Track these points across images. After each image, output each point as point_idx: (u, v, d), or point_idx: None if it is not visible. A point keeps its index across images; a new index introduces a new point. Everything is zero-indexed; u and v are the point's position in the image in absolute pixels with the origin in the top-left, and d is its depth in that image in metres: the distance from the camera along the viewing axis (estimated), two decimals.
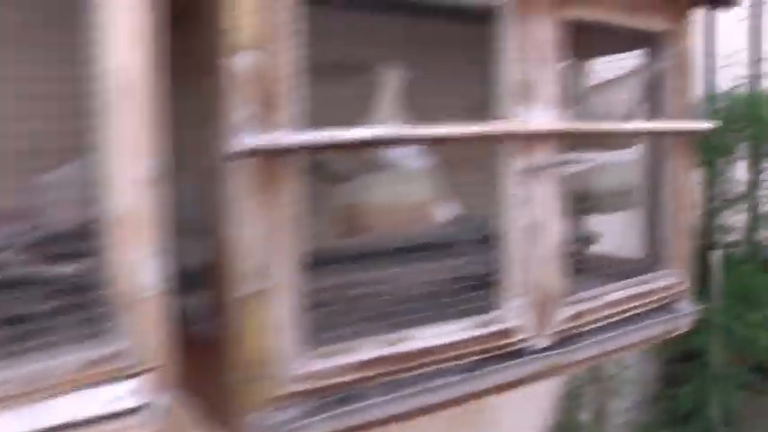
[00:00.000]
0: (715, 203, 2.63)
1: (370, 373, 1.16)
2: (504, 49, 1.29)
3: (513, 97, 1.30)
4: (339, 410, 1.12)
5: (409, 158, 1.33)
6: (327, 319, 1.33)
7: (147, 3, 0.95)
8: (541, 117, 1.33)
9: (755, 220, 2.55)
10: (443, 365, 1.25)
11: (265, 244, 1.03)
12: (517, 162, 1.31)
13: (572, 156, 1.74)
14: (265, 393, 1.06)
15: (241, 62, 1.00)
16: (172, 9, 1.28)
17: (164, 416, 1.00)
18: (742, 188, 2.57)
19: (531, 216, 1.34)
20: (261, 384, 1.05)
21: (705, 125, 1.75)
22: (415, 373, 1.22)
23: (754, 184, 2.52)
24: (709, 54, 2.61)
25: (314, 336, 1.26)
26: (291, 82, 1.04)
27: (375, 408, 1.15)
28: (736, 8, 2.39)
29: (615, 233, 1.90)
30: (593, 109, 1.70)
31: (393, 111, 1.43)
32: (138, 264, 0.94)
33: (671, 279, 1.71)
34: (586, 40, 1.66)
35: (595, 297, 1.51)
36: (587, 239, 1.93)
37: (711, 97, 2.61)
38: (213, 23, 1.04)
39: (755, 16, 2.51)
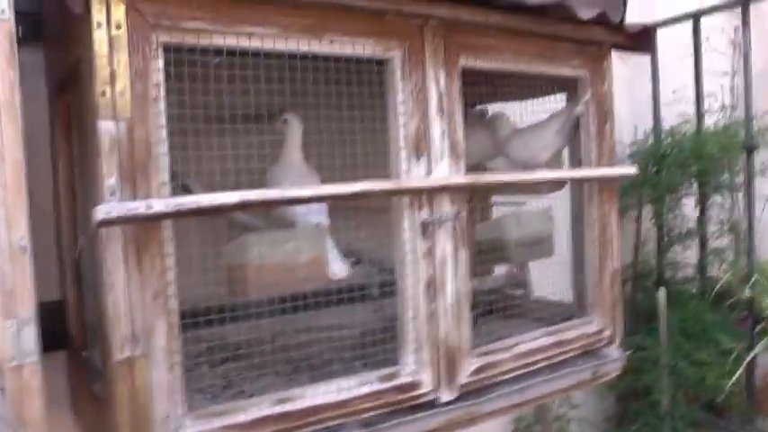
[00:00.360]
0: (664, 240, 2.63)
1: None
2: (395, 102, 1.30)
3: (407, 150, 1.31)
4: None
5: (311, 213, 1.34)
6: (215, 378, 1.34)
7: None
8: (439, 171, 1.34)
9: (704, 257, 2.54)
10: (341, 421, 1.25)
11: (136, 310, 1.04)
12: (414, 216, 1.32)
13: (477, 205, 1.76)
14: None
15: (106, 129, 1.01)
16: (60, 74, 1.31)
17: None
18: (691, 224, 2.57)
19: (431, 269, 1.34)
20: None
21: (629, 171, 1.76)
22: (310, 429, 1.21)
23: (702, 221, 2.52)
24: (656, 92, 2.63)
25: (199, 396, 1.27)
26: (159, 148, 1.05)
27: None
28: (680, 47, 2.44)
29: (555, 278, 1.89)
30: (515, 153, 1.70)
31: (297, 159, 1.45)
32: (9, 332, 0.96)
33: (594, 326, 1.71)
34: (506, 85, 1.69)
35: (508, 347, 1.51)
36: (517, 284, 1.93)
37: (657, 134, 2.62)
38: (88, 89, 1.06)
39: (698, 54, 2.53)
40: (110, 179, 1.02)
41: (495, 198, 2.08)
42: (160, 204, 1.01)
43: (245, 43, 1.14)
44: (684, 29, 2.56)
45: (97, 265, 1.06)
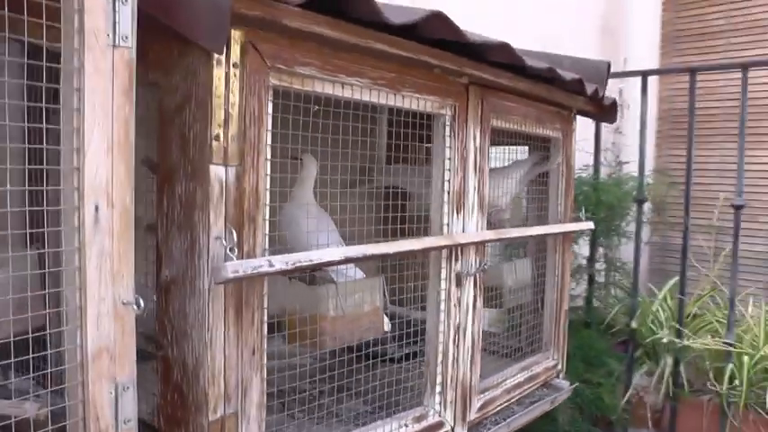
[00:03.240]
0: None
1: None
2: (443, 158, 1.37)
3: (449, 206, 1.38)
4: None
5: (348, 269, 1.35)
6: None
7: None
8: (471, 225, 1.43)
9: (592, 291, 2.90)
10: None
11: (231, 366, 0.99)
12: (450, 267, 1.39)
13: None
14: None
15: (217, 175, 0.96)
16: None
17: None
18: (581, 261, 2.91)
19: (458, 317, 1.42)
20: None
21: (588, 225, 1.98)
22: None
23: (591, 259, 2.87)
24: None
25: None
26: (266, 197, 1.02)
27: None
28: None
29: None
30: None
31: (310, 198, 1.43)
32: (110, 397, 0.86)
33: (550, 360, 1.90)
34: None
35: (498, 384, 1.64)
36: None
37: None
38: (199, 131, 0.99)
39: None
40: (216, 228, 0.97)
41: None
42: (280, 262, 0.98)
43: (340, 92, 1.13)
44: None
45: (190, 320, 0.99)
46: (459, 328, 1.43)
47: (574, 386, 1.94)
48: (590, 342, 2.66)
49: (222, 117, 0.97)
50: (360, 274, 1.35)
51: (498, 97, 1.52)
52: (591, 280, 2.89)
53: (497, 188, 1.85)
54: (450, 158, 1.38)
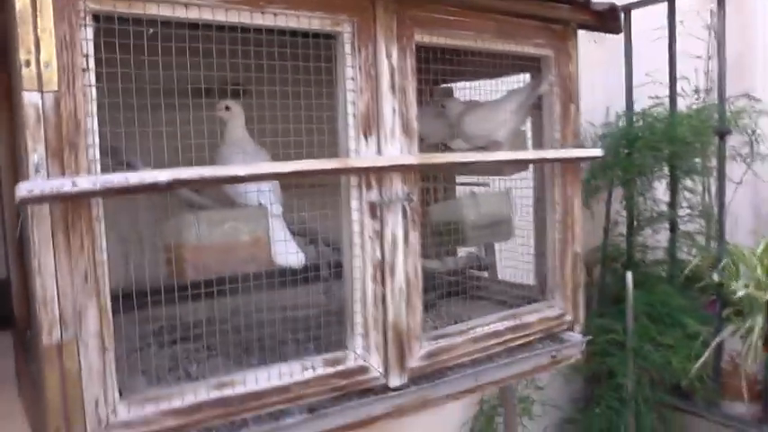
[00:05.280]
0: (635, 223, 2.61)
1: (195, 418, 1.12)
2: (344, 78, 1.26)
3: (355, 129, 1.27)
4: None
5: (256, 193, 1.30)
6: (162, 359, 1.31)
7: None
8: (390, 150, 1.30)
9: (674, 240, 2.53)
10: (284, 407, 1.22)
11: (65, 293, 1.00)
12: (362, 196, 1.28)
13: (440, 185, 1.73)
14: None
15: (31, 101, 0.96)
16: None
17: None
18: (662, 208, 2.55)
19: (380, 252, 1.31)
20: None
21: (592, 153, 1.72)
22: (249, 415, 1.18)
23: (672, 205, 2.50)
24: (629, 74, 2.59)
25: (142, 379, 1.24)
26: (89, 123, 1.00)
27: None
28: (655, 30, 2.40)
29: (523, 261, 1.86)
30: (469, 129, 1.66)
31: (244, 138, 1.41)
32: None
33: (556, 310, 1.69)
34: (475, 64, 1.65)
35: (463, 331, 1.48)
36: (479, 266, 1.90)
37: (629, 117, 2.59)
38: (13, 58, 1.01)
39: (672, 36, 2.49)
40: (34, 154, 0.97)
41: (460, 179, 2.05)
42: (86, 182, 0.96)
43: (181, 14, 1.08)
44: (659, 11, 2.52)
45: (25, 246, 1.02)
46: (382, 264, 1.31)
47: (586, 339, 1.70)
48: (664, 299, 2.32)
49: (33, 43, 0.97)
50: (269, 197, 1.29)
51: (429, 10, 1.36)
52: (672, 228, 2.52)
53: (490, 121, 1.69)
54: (353, 78, 1.27)
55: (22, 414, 1.43)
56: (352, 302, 1.30)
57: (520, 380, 2.22)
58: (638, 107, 2.59)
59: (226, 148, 1.41)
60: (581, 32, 1.69)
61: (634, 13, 2.60)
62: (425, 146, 1.86)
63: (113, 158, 1.25)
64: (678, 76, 2.51)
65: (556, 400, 2.68)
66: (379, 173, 1.29)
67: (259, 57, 1.26)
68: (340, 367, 1.28)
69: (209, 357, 1.38)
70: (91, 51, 1.01)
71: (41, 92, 0.97)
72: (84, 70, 1.00)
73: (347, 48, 1.26)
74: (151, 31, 1.08)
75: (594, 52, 2.61)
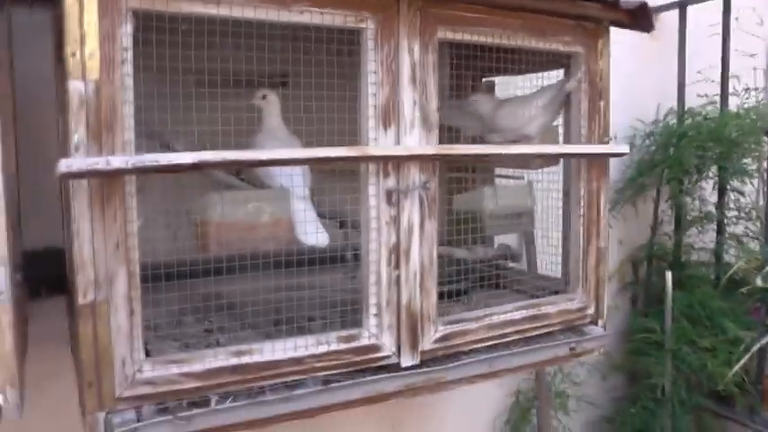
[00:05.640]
0: (681, 222, 2.56)
1: (215, 382, 1.23)
2: (366, 72, 1.33)
3: (375, 120, 1.33)
4: (178, 416, 1.19)
5: (282, 177, 1.39)
6: (178, 329, 1.42)
7: None
8: (408, 140, 1.36)
9: (721, 242, 2.46)
10: (298, 377, 1.31)
11: (100, 258, 1.12)
12: (379, 183, 1.35)
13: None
14: (102, 397, 1.14)
15: (76, 88, 1.08)
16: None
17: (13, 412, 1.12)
18: (710, 208, 2.49)
19: (395, 237, 1.37)
20: (97, 388, 1.14)
21: (619, 149, 1.73)
22: (265, 383, 1.28)
23: (720, 205, 2.44)
24: (681, 71, 2.54)
25: (174, 344, 1.35)
26: (125, 109, 1.11)
27: (214, 414, 1.22)
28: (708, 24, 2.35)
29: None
30: (502, 123, 1.70)
31: (279, 127, 1.50)
32: None
33: (577, 303, 1.70)
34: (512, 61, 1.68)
35: (479, 317, 1.53)
36: (508, 256, 1.94)
37: (680, 114, 2.54)
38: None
39: (726, 33, 2.42)
40: (76, 135, 1.09)
41: (499, 171, 2.09)
42: (119, 161, 1.08)
43: (212, 11, 1.18)
44: (716, 7, 2.45)
45: (65, 215, 1.14)
46: (398, 249, 1.38)
47: (606, 334, 1.71)
48: (704, 301, 2.27)
49: (78, 36, 1.09)
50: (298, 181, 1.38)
51: (452, 8, 1.41)
52: (719, 229, 2.45)
53: (521, 116, 1.72)
54: (375, 72, 1.33)
55: (72, 371, 1.58)
56: (368, 284, 1.37)
57: (533, 369, 2.21)
58: (691, 105, 2.53)
59: (261, 135, 1.51)
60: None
61: (690, 9, 2.55)
62: (463, 138, 1.91)
63: (151, 140, 1.36)
64: (732, 74, 2.44)
65: (592, 396, 2.67)
66: (397, 162, 1.36)
67: (296, 51, 1.36)
68: (354, 344, 1.36)
69: (240, 329, 1.48)
70: (129, 44, 1.13)
71: (84, 80, 1.09)
72: (122, 62, 1.12)
73: (370, 43, 1.33)
74: (184, 26, 1.19)
75: (647, 48, 2.58)
